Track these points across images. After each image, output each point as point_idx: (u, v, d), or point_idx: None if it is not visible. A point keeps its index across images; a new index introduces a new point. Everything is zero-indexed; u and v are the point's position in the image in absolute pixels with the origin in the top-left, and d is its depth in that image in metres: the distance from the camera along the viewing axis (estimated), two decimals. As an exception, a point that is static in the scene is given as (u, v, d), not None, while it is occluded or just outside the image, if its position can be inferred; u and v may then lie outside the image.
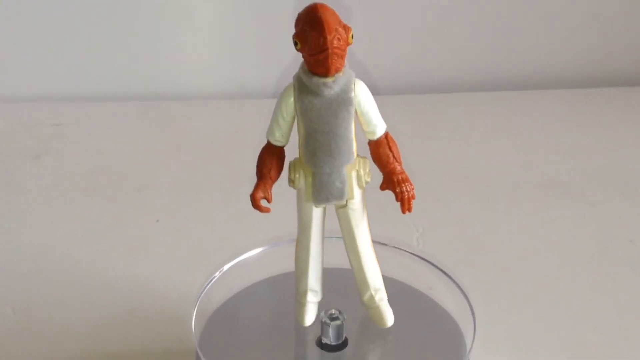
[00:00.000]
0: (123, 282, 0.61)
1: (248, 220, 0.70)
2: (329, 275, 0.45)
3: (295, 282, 0.44)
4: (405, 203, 0.41)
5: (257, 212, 0.41)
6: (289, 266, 0.46)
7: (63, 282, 0.62)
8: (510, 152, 0.87)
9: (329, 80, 0.37)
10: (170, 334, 0.55)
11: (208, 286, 0.47)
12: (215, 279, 0.47)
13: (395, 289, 0.49)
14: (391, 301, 0.45)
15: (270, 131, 0.40)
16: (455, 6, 1.01)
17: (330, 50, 0.36)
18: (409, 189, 0.41)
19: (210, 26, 0.99)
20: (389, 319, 0.44)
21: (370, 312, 0.44)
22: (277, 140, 0.40)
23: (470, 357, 0.43)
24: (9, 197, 0.75)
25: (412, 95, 1.01)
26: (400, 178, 0.41)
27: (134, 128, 0.91)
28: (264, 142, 0.41)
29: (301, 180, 0.40)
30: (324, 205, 0.41)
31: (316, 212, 0.42)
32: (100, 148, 0.86)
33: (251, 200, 0.41)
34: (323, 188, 0.40)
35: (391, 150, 0.41)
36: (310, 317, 0.44)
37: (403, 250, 0.52)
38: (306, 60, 0.37)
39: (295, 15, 0.38)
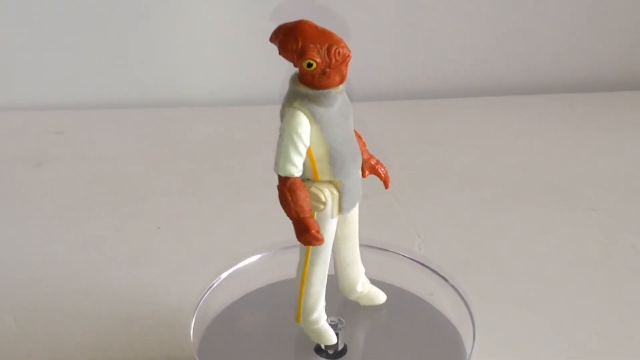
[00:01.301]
0: (124, 290, 0.61)
1: (249, 227, 0.70)
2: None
3: (305, 309, 0.43)
4: (388, 180, 0.43)
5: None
6: (287, 273, 0.46)
7: (64, 290, 0.62)
8: (512, 157, 0.86)
9: (340, 87, 0.38)
10: (171, 341, 0.55)
11: (206, 294, 0.47)
12: (213, 286, 0.47)
13: (396, 295, 0.49)
14: (392, 307, 0.45)
15: (290, 164, 0.38)
16: (457, 12, 1.01)
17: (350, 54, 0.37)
18: (385, 168, 0.43)
19: (212, 34, 0.99)
20: (382, 294, 0.47)
21: (364, 299, 0.46)
22: (299, 171, 0.39)
23: (470, 364, 0.43)
24: (11, 205, 0.75)
25: (414, 101, 1.01)
26: (376, 161, 0.43)
27: (136, 135, 0.91)
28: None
29: (329, 198, 0.40)
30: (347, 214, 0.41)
31: (334, 225, 0.41)
32: (102, 156, 0.86)
33: (311, 238, 0.39)
34: (352, 195, 0.40)
35: (360, 138, 0.42)
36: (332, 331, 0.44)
37: (403, 256, 0.52)
38: (316, 78, 0.37)
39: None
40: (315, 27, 0.37)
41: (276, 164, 0.38)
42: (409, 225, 0.70)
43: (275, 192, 0.40)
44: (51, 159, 0.85)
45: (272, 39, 0.38)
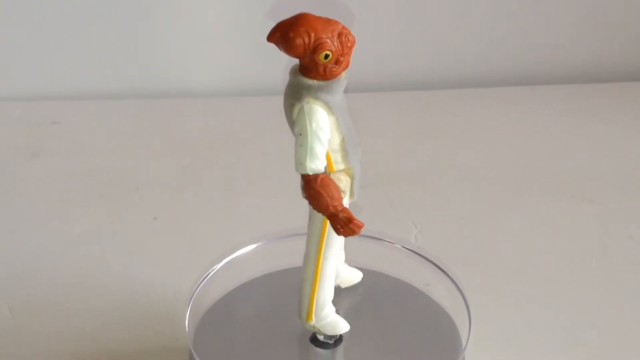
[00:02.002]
0: (120, 281, 0.61)
1: (246, 219, 0.70)
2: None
3: (318, 305, 0.42)
4: None
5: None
6: (282, 263, 0.46)
7: (60, 281, 0.61)
8: (510, 149, 0.86)
9: (344, 73, 0.38)
10: (166, 332, 0.55)
11: (202, 284, 0.47)
12: (208, 276, 0.47)
13: (392, 285, 0.49)
14: (388, 298, 0.45)
15: (317, 160, 0.37)
16: (456, 2, 1.01)
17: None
18: None
19: (208, 25, 0.98)
20: (358, 272, 0.47)
21: (344, 282, 0.47)
22: (324, 165, 0.38)
23: (466, 354, 0.43)
24: (6, 197, 0.75)
25: (411, 92, 1.01)
26: None
27: (132, 127, 0.91)
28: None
29: (346, 186, 0.40)
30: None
31: None
32: (98, 147, 0.86)
33: (355, 227, 0.38)
34: (359, 179, 0.40)
35: None
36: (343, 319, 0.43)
37: (400, 246, 0.52)
38: (328, 69, 0.36)
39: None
40: (320, 18, 0.36)
41: (301, 164, 0.37)
42: (406, 216, 0.70)
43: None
44: (47, 150, 0.84)
45: (272, 39, 0.37)
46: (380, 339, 0.44)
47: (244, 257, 0.50)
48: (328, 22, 0.36)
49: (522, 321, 0.57)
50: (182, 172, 0.80)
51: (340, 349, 0.43)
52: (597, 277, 0.63)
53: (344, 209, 0.38)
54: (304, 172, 0.37)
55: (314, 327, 0.42)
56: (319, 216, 0.40)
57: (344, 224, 0.38)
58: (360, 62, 0.38)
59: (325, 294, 0.42)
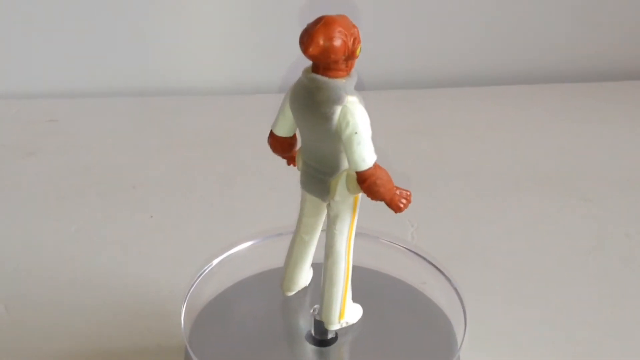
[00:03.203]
0: (116, 279, 0.61)
1: (242, 216, 0.70)
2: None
3: (349, 299, 0.43)
4: None
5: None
6: (279, 261, 0.46)
7: (56, 279, 0.61)
8: (505, 147, 0.86)
9: None
10: (162, 330, 0.55)
11: (197, 281, 0.46)
12: (204, 273, 0.47)
13: (388, 283, 0.49)
14: (384, 296, 0.45)
15: (374, 153, 0.38)
16: (451, 0, 1.01)
17: None
18: None
19: (205, 22, 0.98)
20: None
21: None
22: None
23: (462, 353, 0.43)
24: (3, 194, 0.75)
25: (406, 91, 1.01)
26: None
27: (129, 124, 0.91)
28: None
29: None
30: None
31: None
32: (95, 144, 0.85)
33: (408, 202, 0.40)
34: None
35: None
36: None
37: (396, 244, 0.52)
38: (349, 63, 0.37)
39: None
40: (337, 15, 0.36)
41: (363, 161, 0.37)
42: (402, 215, 0.70)
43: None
44: (43, 147, 0.84)
45: (316, 50, 0.35)
46: (375, 337, 0.44)
47: (240, 254, 0.50)
48: (343, 17, 0.36)
49: (518, 319, 0.57)
50: (179, 170, 0.80)
51: (335, 347, 0.43)
52: (593, 275, 0.63)
53: (399, 187, 0.39)
54: (366, 168, 0.37)
55: (341, 324, 0.43)
56: (349, 213, 0.40)
57: (405, 201, 0.39)
58: (356, 61, 0.38)
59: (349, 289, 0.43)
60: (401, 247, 0.52)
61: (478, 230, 0.69)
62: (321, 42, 0.35)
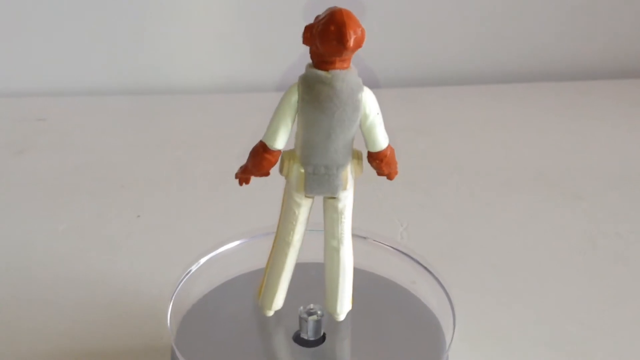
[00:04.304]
0: (105, 278, 0.61)
1: (232, 216, 0.70)
2: (309, 270, 0.44)
3: None
4: None
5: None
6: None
7: (44, 278, 0.61)
8: (498, 146, 0.86)
9: None
10: (150, 330, 0.54)
11: (184, 280, 0.46)
12: (192, 272, 0.47)
13: (377, 283, 0.49)
14: (373, 296, 0.45)
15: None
16: (444, -1, 1.01)
17: None
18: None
19: (197, 20, 0.98)
20: None
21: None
22: None
23: (450, 353, 0.43)
24: (-9, 193, 0.74)
25: (401, 89, 1.01)
26: None
27: (119, 123, 0.91)
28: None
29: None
30: None
31: None
32: (84, 143, 0.85)
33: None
34: None
35: None
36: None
37: (385, 244, 0.52)
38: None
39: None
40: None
41: (385, 138, 0.40)
42: (392, 214, 0.70)
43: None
44: (32, 146, 0.84)
45: (354, 43, 0.36)
46: (364, 338, 0.44)
47: (228, 253, 0.50)
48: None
49: (508, 319, 0.57)
50: (169, 169, 0.79)
51: (323, 346, 0.43)
52: (584, 274, 0.63)
53: None
54: (387, 144, 0.40)
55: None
56: (351, 198, 0.41)
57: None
58: (353, 59, 0.38)
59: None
60: (390, 248, 0.51)
61: (469, 229, 0.69)
62: (357, 33, 0.36)
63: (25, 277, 0.61)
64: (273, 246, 0.43)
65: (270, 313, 0.45)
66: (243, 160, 0.40)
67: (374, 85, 0.40)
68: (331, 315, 0.44)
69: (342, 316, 0.44)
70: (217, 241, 0.51)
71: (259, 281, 0.44)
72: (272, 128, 0.39)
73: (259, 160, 0.39)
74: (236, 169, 0.41)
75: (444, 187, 0.76)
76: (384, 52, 1.02)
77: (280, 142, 0.39)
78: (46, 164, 0.80)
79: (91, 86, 0.99)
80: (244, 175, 0.41)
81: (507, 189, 0.76)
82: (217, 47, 1.00)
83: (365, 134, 0.39)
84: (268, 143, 0.39)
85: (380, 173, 0.42)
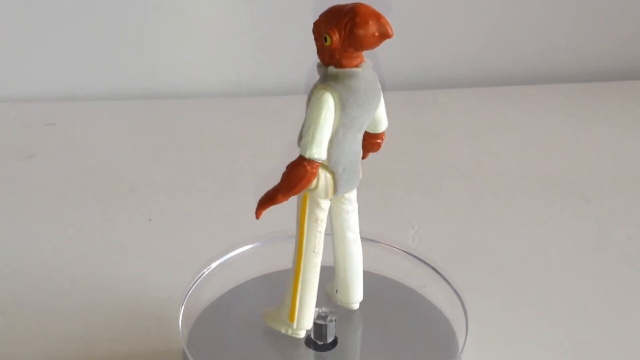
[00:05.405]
0: (114, 283, 0.61)
1: (241, 219, 0.70)
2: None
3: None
4: None
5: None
6: (278, 264, 0.46)
7: (53, 283, 0.61)
8: (507, 148, 0.86)
9: None
10: (160, 334, 0.54)
11: (195, 284, 0.46)
12: (203, 276, 0.47)
13: (388, 287, 0.48)
14: (385, 299, 0.45)
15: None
16: (451, 1, 1.00)
17: None
18: None
19: (203, 25, 0.98)
20: None
21: None
22: None
23: (463, 356, 0.43)
24: (1, 198, 0.74)
25: (408, 92, 1.01)
26: None
27: (127, 127, 0.91)
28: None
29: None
30: None
31: None
32: (93, 148, 0.85)
33: None
34: None
35: None
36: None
37: (396, 248, 0.51)
38: None
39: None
40: None
41: (386, 119, 0.42)
42: (403, 217, 0.70)
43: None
44: (42, 151, 0.84)
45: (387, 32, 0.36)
46: (376, 341, 0.44)
47: (239, 258, 0.49)
48: None
49: (520, 322, 0.57)
50: (178, 173, 0.79)
51: (335, 351, 0.43)
52: (594, 277, 0.62)
53: None
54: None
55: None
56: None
57: None
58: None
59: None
60: (401, 251, 0.51)
61: (479, 232, 0.69)
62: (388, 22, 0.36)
63: (34, 282, 0.61)
64: (298, 262, 0.40)
65: (303, 334, 0.42)
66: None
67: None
68: (346, 306, 0.45)
69: (357, 304, 0.45)
70: (227, 245, 0.51)
71: (286, 303, 0.42)
72: (316, 140, 0.36)
73: (306, 177, 0.37)
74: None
75: (453, 189, 0.76)
76: (391, 55, 1.02)
77: (325, 151, 0.37)
78: (55, 169, 0.80)
79: (100, 91, 0.99)
80: (271, 204, 0.38)
81: (516, 191, 0.76)
82: (225, 51, 1.00)
83: (376, 115, 0.40)
84: (316, 156, 0.36)
85: (373, 152, 0.42)
